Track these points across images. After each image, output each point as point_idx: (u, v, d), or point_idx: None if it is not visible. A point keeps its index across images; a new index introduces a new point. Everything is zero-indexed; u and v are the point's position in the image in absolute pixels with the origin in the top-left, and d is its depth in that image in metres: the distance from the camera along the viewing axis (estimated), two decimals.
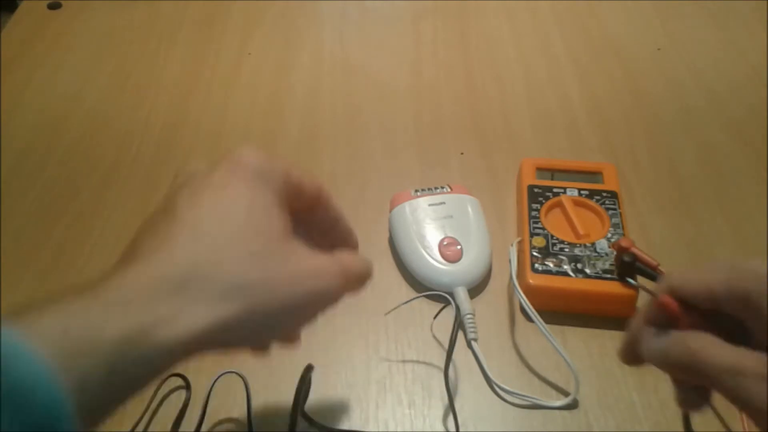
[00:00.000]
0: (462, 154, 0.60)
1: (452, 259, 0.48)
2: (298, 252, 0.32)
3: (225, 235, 0.30)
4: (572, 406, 0.43)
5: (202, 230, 0.30)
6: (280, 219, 0.32)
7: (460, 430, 0.41)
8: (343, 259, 0.34)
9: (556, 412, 0.42)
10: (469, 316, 0.46)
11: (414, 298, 0.45)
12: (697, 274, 0.34)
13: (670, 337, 0.33)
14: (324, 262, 0.33)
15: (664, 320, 0.35)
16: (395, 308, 0.46)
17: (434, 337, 0.47)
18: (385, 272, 0.51)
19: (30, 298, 0.25)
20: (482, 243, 0.49)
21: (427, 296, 0.45)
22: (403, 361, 0.46)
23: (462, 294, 0.47)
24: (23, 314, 0.25)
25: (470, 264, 0.48)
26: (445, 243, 0.49)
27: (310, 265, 0.33)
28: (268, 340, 0.34)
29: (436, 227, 0.50)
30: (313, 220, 0.37)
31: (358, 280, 0.35)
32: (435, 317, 0.46)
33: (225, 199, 0.31)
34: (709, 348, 0.32)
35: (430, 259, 0.48)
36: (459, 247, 0.49)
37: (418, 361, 0.46)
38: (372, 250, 0.52)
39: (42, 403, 0.23)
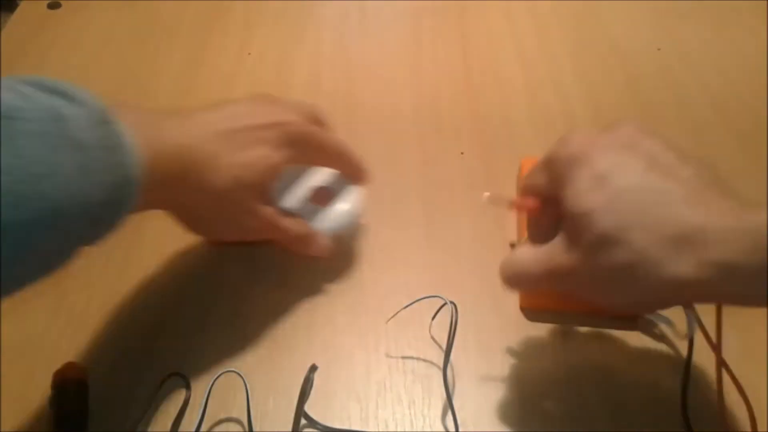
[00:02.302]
0: (462, 154, 0.60)
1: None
2: None
3: None
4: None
5: None
6: None
7: (460, 429, 0.41)
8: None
9: (556, 413, 0.42)
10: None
11: (414, 302, 0.45)
12: (535, 167, 0.41)
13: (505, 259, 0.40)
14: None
15: (534, 226, 0.41)
16: (396, 314, 0.46)
17: (432, 337, 0.47)
18: (385, 274, 0.51)
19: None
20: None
21: (425, 298, 0.45)
22: (403, 362, 0.46)
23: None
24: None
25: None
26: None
27: None
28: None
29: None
30: None
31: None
32: (433, 318, 0.46)
33: None
34: (524, 261, 0.39)
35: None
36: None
37: (417, 361, 0.46)
38: (373, 250, 0.52)
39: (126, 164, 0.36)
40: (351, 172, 0.51)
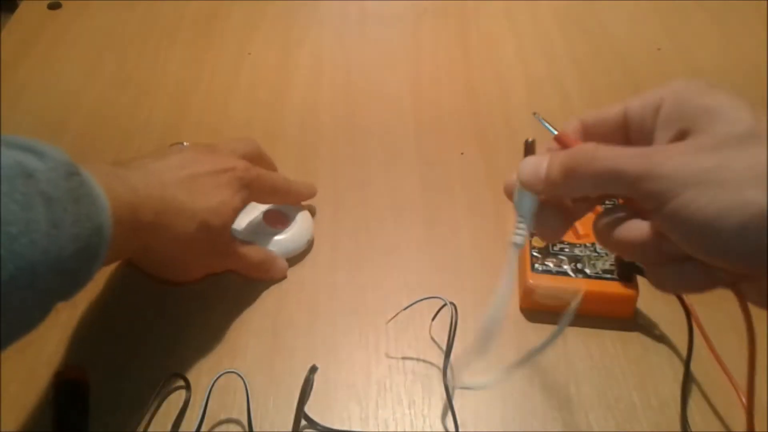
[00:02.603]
0: (462, 154, 0.60)
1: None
2: None
3: None
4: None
5: None
6: None
7: (460, 429, 0.41)
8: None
9: (556, 413, 0.43)
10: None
11: (414, 303, 0.46)
12: (628, 101, 0.36)
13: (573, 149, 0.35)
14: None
15: None
16: (396, 315, 0.47)
17: (432, 337, 0.47)
18: (385, 275, 0.51)
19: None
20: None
21: (425, 299, 0.45)
22: (403, 362, 0.46)
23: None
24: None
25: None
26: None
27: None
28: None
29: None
30: None
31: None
32: (433, 318, 0.46)
33: None
34: (611, 149, 0.33)
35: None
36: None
37: (417, 361, 0.46)
38: (373, 250, 0.52)
39: (98, 211, 0.36)
40: (299, 201, 0.54)
